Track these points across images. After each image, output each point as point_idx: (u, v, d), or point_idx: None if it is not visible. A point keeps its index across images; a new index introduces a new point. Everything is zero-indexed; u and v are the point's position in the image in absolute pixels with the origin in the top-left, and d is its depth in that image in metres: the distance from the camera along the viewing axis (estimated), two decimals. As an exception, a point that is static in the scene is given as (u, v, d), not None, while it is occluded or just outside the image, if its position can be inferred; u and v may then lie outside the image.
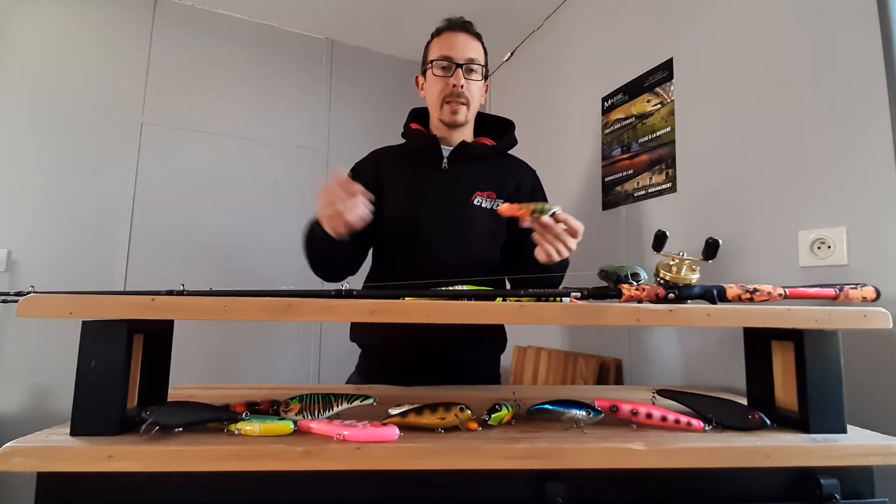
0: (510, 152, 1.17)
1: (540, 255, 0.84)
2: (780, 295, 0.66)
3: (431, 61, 1.06)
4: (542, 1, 1.89)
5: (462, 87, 1.03)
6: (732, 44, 1.15)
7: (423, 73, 1.11)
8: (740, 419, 0.64)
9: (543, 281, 0.99)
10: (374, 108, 2.32)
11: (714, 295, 0.65)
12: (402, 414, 0.60)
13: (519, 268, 1.01)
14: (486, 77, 1.10)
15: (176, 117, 1.98)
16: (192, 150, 1.99)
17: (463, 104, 1.04)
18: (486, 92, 1.13)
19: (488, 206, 1.07)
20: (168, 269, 1.88)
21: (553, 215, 0.81)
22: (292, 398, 0.62)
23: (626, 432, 0.62)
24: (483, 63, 1.07)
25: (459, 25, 1.07)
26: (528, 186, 1.12)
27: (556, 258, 0.83)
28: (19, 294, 0.55)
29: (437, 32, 1.09)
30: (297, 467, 0.52)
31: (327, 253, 0.95)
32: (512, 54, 2.23)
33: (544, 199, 1.13)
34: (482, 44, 1.09)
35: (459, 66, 1.03)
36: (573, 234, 0.82)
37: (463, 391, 0.92)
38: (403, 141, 1.14)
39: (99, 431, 0.54)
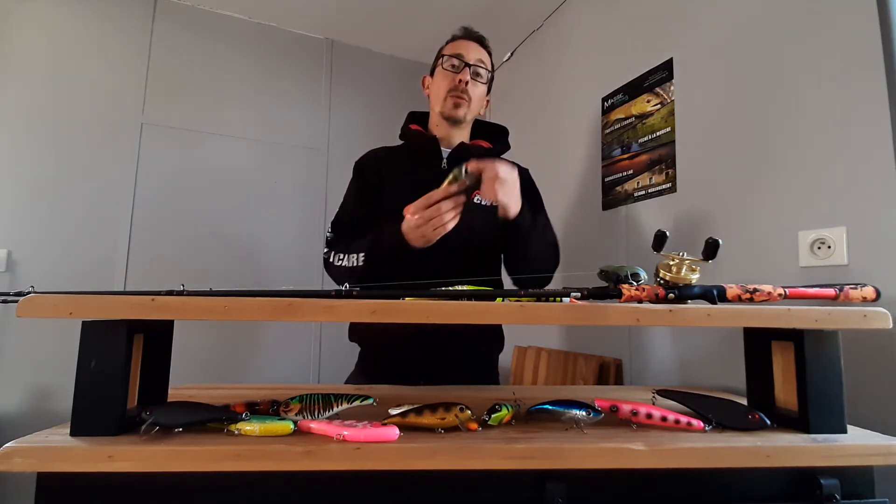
0: (503, 157, 1.19)
1: (500, 210, 0.92)
2: (780, 295, 0.66)
3: (443, 56, 1.10)
4: (542, 1, 1.89)
5: (467, 84, 1.07)
6: (732, 44, 1.15)
7: (432, 73, 1.15)
8: (740, 419, 0.64)
9: (539, 279, 1.05)
10: (373, 108, 2.32)
11: (714, 295, 0.65)
12: (402, 414, 0.60)
13: (518, 260, 1.05)
14: (489, 88, 1.15)
15: (176, 117, 1.98)
16: (192, 150, 1.99)
17: (465, 101, 1.08)
18: (486, 105, 1.17)
19: (487, 205, 1.08)
20: (168, 269, 1.88)
21: (466, 172, 0.88)
22: (292, 398, 0.62)
23: (626, 432, 0.62)
24: (489, 70, 1.12)
25: (475, 36, 1.12)
26: (521, 185, 1.14)
27: (504, 199, 0.90)
28: (19, 294, 0.55)
29: (453, 38, 1.14)
30: (297, 467, 0.52)
31: (390, 263, 0.95)
32: (512, 54, 2.23)
33: (537, 195, 1.17)
34: (491, 58, 1.14)
35: (468, 65, 1.08)
36: (495, 173, 0.89)
37: (463, 391, 0.92)
38: (400, 143, 1.16)
39: (99, 432, 0.54)
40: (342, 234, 1.06)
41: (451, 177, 0.91)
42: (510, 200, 0.92)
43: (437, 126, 1.12)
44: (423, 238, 0.89)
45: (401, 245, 0.91)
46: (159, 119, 1.95)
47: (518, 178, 0.94)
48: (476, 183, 0.88)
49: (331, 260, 1.03)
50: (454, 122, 1.10)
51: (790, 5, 1.02)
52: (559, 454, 0.55)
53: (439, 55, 1.13)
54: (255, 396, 0.70)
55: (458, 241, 1.04)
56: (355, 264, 0.97)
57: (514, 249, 1.02)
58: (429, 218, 0.87)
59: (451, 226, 0.88)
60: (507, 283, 1.16)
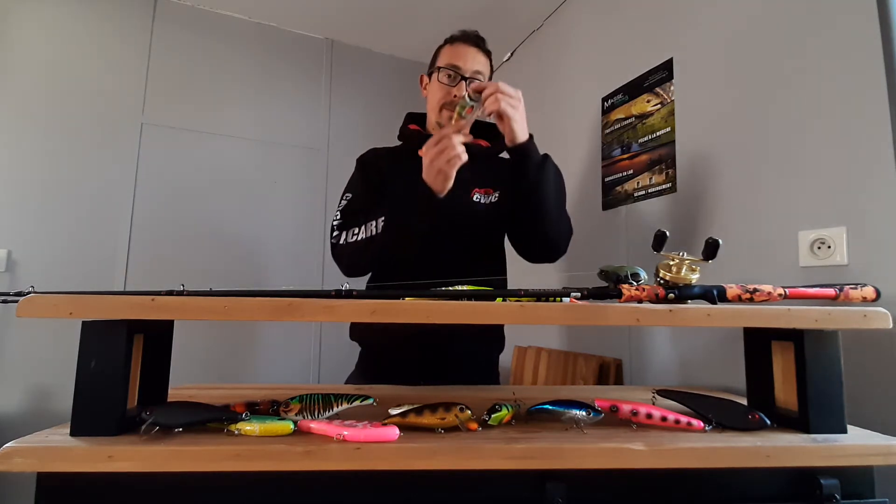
0: (502, 156, 1.18)
1: (502, 128, 0.93)
2: (780, 295, 0.66)
3: (439, 67, 1.08)
4: (542, 1, 1.89)
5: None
6: (732, 44, 1.14)
7: (429, 74, 1.14)
8: (740, 419, 0.64)
9: (553, 250, 1.04)
10: (374, 108, 2.32)
11: (714, 295, 0.65)
12: (402, 414, 0.60)
13: (531, 216, 1.01)
14: None
15: (176, 117, 1.98)
16: (192, 150, 1.99)
17: None
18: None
19: (486, 202, 1.08)
20: (168, 269, 1.88)
21: (471, 98, 0.92)
22: (292, 398, 0.62)
23: (626, 432, 0.62)
24: (487, 79, 1.10)
25: (472, 39, 1.09)
26: None
27: (508, 110, 0.90)
28: (19, 294, 0.55)
29: (452, 40, 1.11)
30: (297, 467, 0.52)
31: (410, 223, 0.94)
32: (512, 54, 2.23)
33: None
34: (490, 60, 1.12)
35: (464, 78, 1.06)
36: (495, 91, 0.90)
37: (463, 391, 0.92)
38: (398, 143, 1.15)
39: (99, 432, 0.54)
40: (353, 216, 1.02)
41: (458, 108, 0.92)
42: (515, 114, 0.91)
43: (434, 129, 1.11)
44: (440, 174, 0.89)
45: (423, 192, 0.90)
46: (159, 119, 1.95)
47: (522, 101, 0.93)
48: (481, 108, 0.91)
49: (342, 241, 0.99)
50: None
51: (790, 5, 1.02)
52: (559, 454, 0.55)
53: (436, 58, 1.12)
54: (255, 396, 0.70)
55: (459, 240, 1.05)
56: (373, 233, 0.94)
57: (526, 198, 0.97)
58: (441, 149, 0.87)
59: (465, 157, 0.88)
60: (511, 281, 1.16)
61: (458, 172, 1.08)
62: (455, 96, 1.05)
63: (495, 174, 1.11)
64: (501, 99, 0.89)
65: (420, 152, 0.91)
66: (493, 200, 1.09)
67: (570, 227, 1.07)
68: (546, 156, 0.99)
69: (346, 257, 1.00)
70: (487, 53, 1.11)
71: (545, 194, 0.97)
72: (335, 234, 1.02)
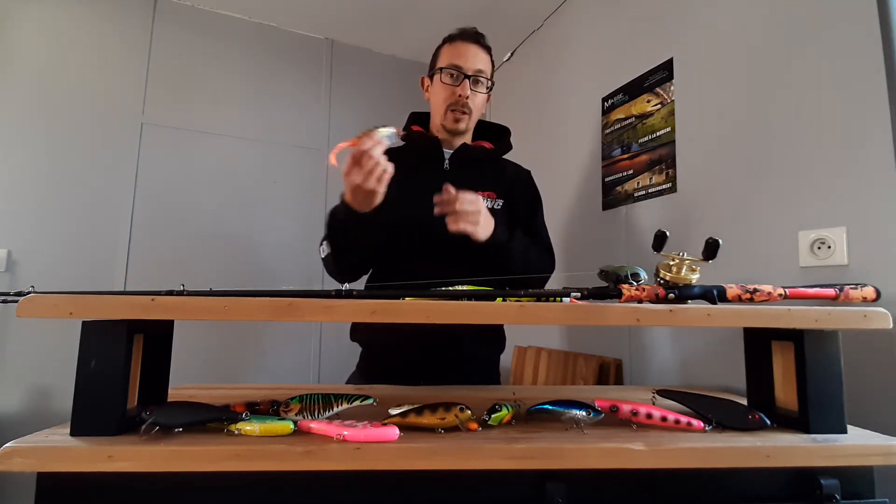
0: (505, 157, 1.18)
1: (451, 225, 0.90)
2: (780, 295, 0.66)
3: (441, 68, 1.07)
4: (542, 1, 1.89)
5: (467, 97, 1.05)
6: (732, 44, 1.15)
7: (431, 76, 1.13)
8: (740, 419, 0.64)
9: (536, 277, 1.04)
10: (373, 107, 2.32)
11: (714, 295, 0.65)
12: (402, 414, 0.61)
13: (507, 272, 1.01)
14: (489, 89, 1.12)
15: (176, 117, 1.98)
16: (192, 150, 1.99)
17: (466, 114, 1.07)
18: (487, 101, 1.15)
19: (489, 206, 1.08)
20: (168, 269, 1.88)
21: (387, 136, 0.83)
22: (292, 398, 0.62)
23: (626, 432, 0.62)
24: (489, 76, 1.10)
25: (472, 37, 1.09)
26: (521, 185, 1.15)
27: (469, 229, 0.89)
28: (19, 294, 0.55)
29: (451, 39, 1.10)
30: (297, 467, 0.52)
31: (352, 232, 0.93)
32: (512, 54, 2.23)
33: (537, 198, 1.16)
34: (490, 57, 1.11)
35: (468, 77, 1.05)
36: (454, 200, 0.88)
37: (463, 391, 0.92)
38: (402, 143, 1.15)
39: (99, 432, 0.54)
40: (335, 229, 1.02)
41: (379, 132, 0.83)
42: (476, 229, 0.91)
43: (438, 131, 1.11)
44: (366, 194, 0.84)
45: (348, 215, 0.88)
46: (159, 119, 1.95)
47: (480, 201, 0.92)
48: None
49: (322, 256, 1.01)
50: (456, 133, 1.10)
51: (790, 5, 1.02)
52: (559, 454, 0.55)
53: (436, 59, 1.11)
54: (255, 396, 0.70)
55: (459, 240, 1.04)
56: (325, 253, 0.97)
57: (500, 266, 0.99)
58: (369, 170, 0.81)
59: (390, 169, 0.83)
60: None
61: (460, 173, 1.08)
62: (460, 96, 1.05)
63: (498, 179, 1.11)
64: (461, 221, 0.88)
65: (343, 174, 0.85)
66: (496, 207, 1.08)
67: (551, 264, 1.08)
68: (510, 237, 0.99)
69: (329, 270, 1.02)
70: (488, 49, 1.10)
71: (515, 263, 0.99)
72: (321, 245, 1.03)
